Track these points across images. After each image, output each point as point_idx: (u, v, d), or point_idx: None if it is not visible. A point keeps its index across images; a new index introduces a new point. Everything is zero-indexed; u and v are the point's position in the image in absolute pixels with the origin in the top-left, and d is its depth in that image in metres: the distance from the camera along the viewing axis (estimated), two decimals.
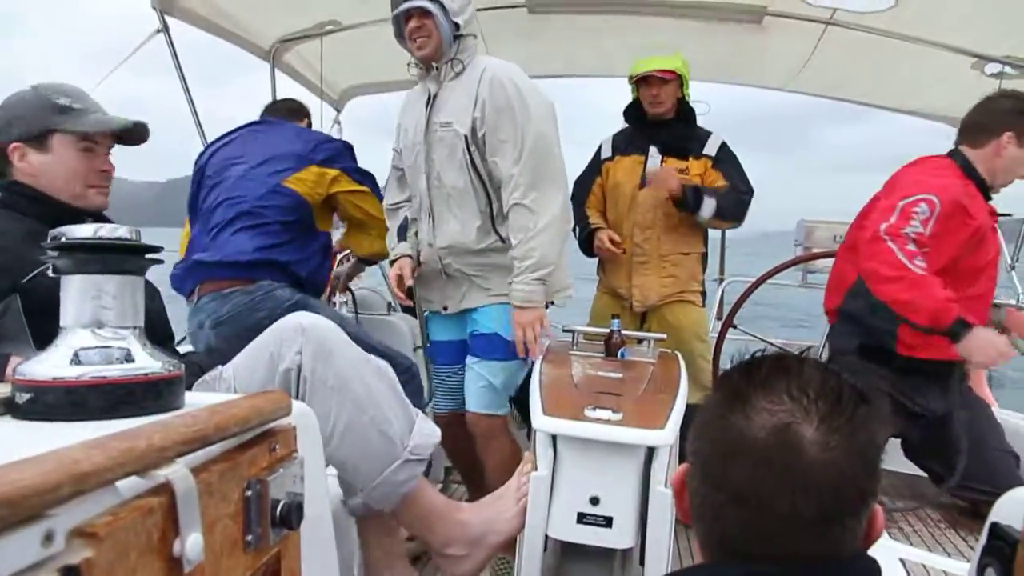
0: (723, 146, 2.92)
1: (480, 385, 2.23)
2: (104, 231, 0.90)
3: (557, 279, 2.21)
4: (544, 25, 3.43)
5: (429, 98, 2.24)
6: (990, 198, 2.43)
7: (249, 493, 0.75)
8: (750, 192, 2.89)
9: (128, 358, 0.86)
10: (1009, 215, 2.82)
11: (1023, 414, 2.73)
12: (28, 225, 1.48)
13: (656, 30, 3.42)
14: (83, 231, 0.89)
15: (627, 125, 3.09)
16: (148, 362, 0.86)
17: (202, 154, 2.36)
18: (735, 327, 3.08)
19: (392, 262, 2.42)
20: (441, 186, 2.23)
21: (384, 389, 1.46)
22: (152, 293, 1.65)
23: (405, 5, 2.13)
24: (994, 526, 0.92)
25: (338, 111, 4.36)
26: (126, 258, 0.89)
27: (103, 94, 1.83)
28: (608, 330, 2.21)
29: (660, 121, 2.93)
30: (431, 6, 2.10)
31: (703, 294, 3.03)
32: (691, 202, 2.78)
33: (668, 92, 2.87)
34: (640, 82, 2.90)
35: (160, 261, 1.08)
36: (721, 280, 4.55)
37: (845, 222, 3.73)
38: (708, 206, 2.79)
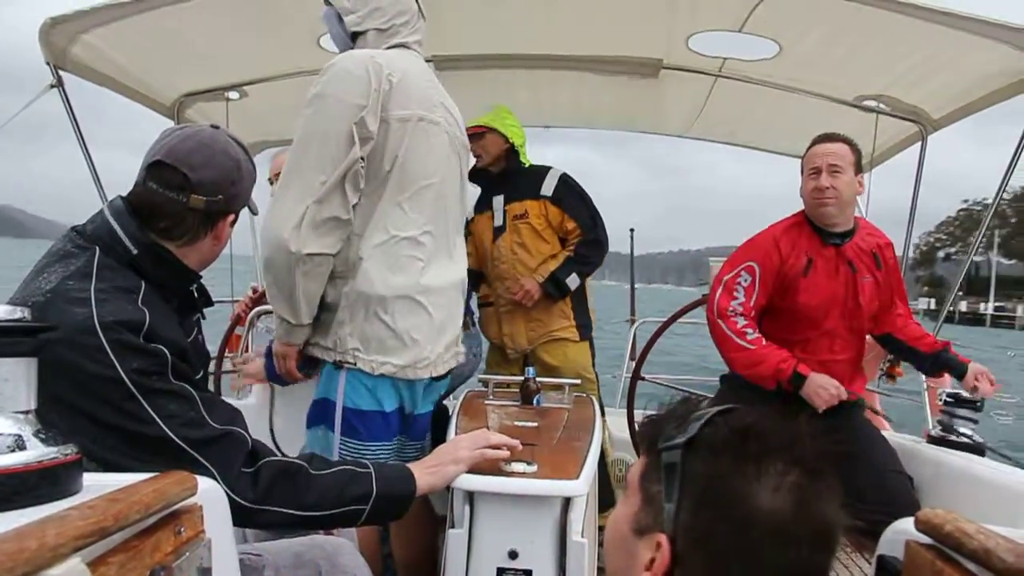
0: (561, 181, 3.08)
1: None
2: None
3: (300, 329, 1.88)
4: (452, 80, 3.51)
5: None
6: (840, 243, 2.52)
7: None
8: (595, 223, 3.08)
9: (20, 445, 0.83)
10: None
11: (914, 436, 2.90)
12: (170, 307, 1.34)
13: (560, 83, 3.56)
14: None
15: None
16: (42, 449, 0.83)
17: None
18: (643, 379, 3.18)
19: None
20: None
21: None
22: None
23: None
24: (880, 558, 0.98)
25: None
26: (18, 340, 0.86)
27: None
28: (523, 378, 2.24)
29: (497, 174, 3.11)
30: (324, 19, 1.99)
31: (580, 327, 3.14)
32: (557, 293, 3.01)
33: (484, 145, 3.05)
34: None
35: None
36: (632, 321, 4.68)
37: None
38: (573, 282, 3.03)
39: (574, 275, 3.02)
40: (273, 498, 1.24)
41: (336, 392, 1.84)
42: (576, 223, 3.05)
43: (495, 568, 1.44)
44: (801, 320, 2.53)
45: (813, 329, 2.55)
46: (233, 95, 3.48)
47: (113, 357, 1.13)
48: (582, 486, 1.46)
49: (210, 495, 0.94)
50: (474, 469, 1.48)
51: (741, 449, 0.73)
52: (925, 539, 0.86)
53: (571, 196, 3.08)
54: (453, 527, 1.48)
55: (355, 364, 1.82)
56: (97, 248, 1.26)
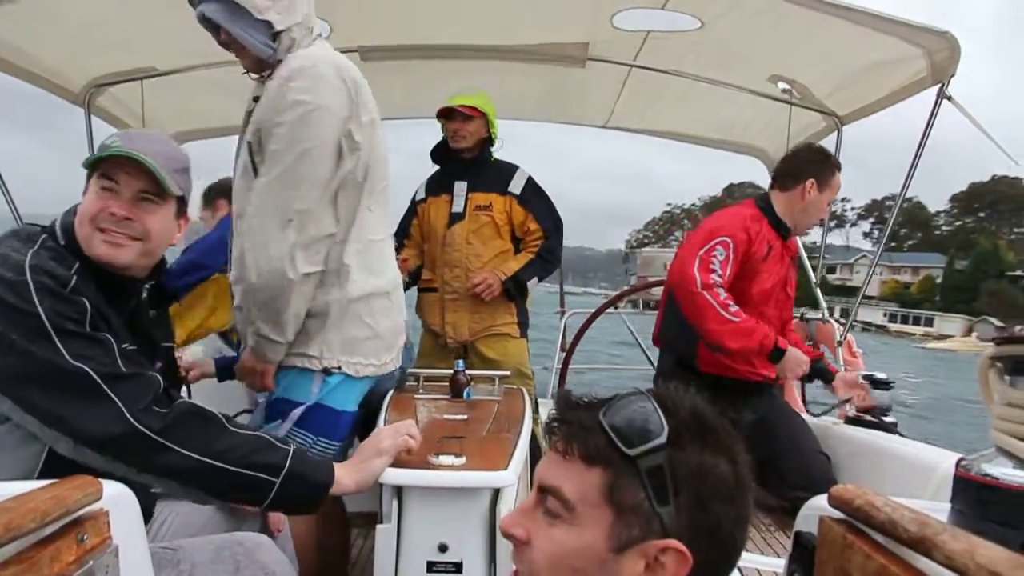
0: (528, 182, 3.10)
1: None
2: None
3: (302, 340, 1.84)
4: (379, 71, 3.45)
5: (251, 104, 1.90)
6: (786, 237, 2.71)
7: None
8: (558, 229, 3.12)
9: None
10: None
11: (831, 419, 3.03)
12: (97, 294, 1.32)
13: (488, 74, 3.54)
14: None
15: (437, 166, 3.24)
16: None
17: None
18: (572, 368, 3.22)
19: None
20: (236, 202, 1.89)
21: None
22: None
23: (200, 9, 1.76)
24: (797, 534, 1.01)
25: None
26: None
27: None
28: (452, 371, 2.23)
29: (465, 159, 3.07)
30: (219, 18, 1.74)
31: (521, 324, 3.15)
32: (516, 292, 3.01)
33: (470, 129, 3.02)
34: (445, 117, 3.04)
35: None
36: (562, 313, 4.72)
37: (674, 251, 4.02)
38: (532, 285, 3.06)
39: (535, 280, 3.05)
40: (179, 435, 1.23)
41: (308, 393, 1.82)
42: (539, 226, 3.06)
43: (425, 562, 1.43)
44: (747, 304, 2.61)
45: (754, 312, 2.63)
46: (148, 82, 3.31)
47: (34, 294, 1.20)
48: (511, 476, 1.46)
49: (117, 499, 0.90)
50: (402, 462, 1.47)
51: (710, 431, 0.76)
52: (838, 514, 0.89)
53: (538, 199, 3.09)
54: (381, 522, 1.46)
55: (340, 368, 1.82)
56: (45, 233, 1.35)
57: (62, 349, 1.18)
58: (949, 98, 2.62)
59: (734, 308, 2.50)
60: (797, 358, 2.60)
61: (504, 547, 1.43)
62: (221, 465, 1.26)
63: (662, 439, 0.72)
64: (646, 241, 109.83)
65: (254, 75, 1.89)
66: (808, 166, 2.67)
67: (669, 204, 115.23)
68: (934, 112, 2.71)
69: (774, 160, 4.11)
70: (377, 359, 1.88)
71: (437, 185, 3.17)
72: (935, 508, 0.83)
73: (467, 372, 2.24)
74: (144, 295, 1.46)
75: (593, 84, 3.65)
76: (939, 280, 68.29)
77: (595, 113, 4.18)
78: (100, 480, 0.85)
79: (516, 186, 3.06)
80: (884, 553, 0.75)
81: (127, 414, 1.19)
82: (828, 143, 3.51)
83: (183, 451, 1.22)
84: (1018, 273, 63.69)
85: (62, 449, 1.20)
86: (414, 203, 3.22)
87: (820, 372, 2.85)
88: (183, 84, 3.35)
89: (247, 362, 1.83)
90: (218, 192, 2.91)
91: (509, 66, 3.45)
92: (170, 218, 1.43)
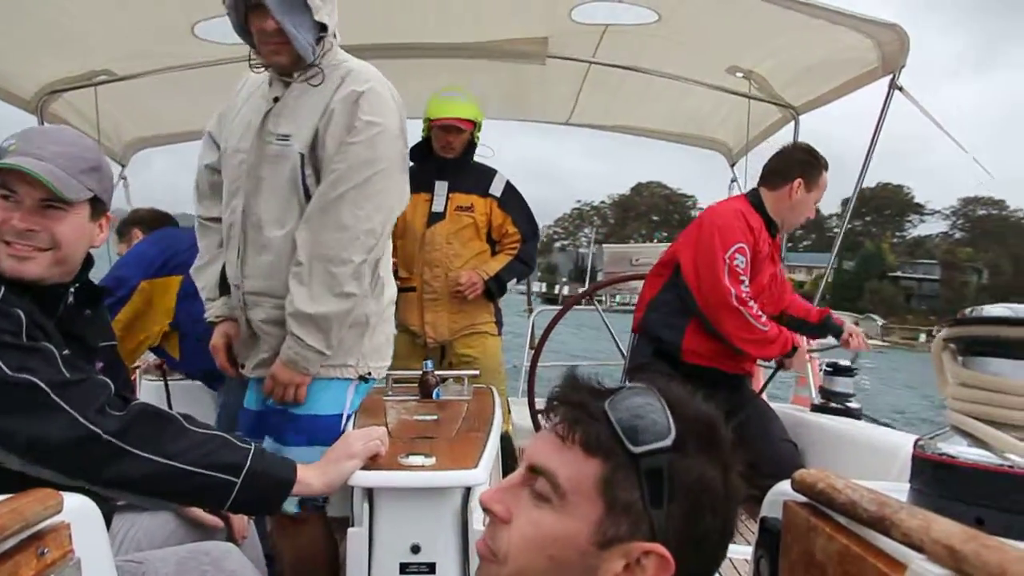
0: (508, 186, 3.11)
1: None
2: None
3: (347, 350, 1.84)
4: None
5: (270, 103, 1.81)
6: (775, 235, 2.75)
7: None
8: (535, 233, 3.17)
9: None
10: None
11: (796, 407, 3.08)
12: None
13: (449, 72, 3.52)
14: None
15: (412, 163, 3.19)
16: None
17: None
18: (541, 365, 3.24)
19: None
20: (260, 211, 1.80)
21: None
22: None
23: None
24: (763, 520, 1.03)
25: (123, 166, 4.01)
26: None
27: None
28: (421, 372, 2.22)
29: (447, 160, 3.06)
30: (274, 6, 1.64)
31: (498, 323, 3.18)
32: (497, 293, 3.05)
33: (462, 140, 3.01)
34: (436, 125, 2.99)
35: None
36: (530, 311, 4.73)
37: (640, 247, 4.07)
38: (511, 282, 3.10)
39: (514, 280, 3.08)
40: (137, 437, 1.18)
41: (342, 403, 1.84)
42: (517, 229, 3.07)
43: (398, 564, 1.43)
44: (758, 299, 2.63)
45: (759, 304, 2.66)
46: (102, 88, 3.24)
47: None
48: (482, 474, 1.46)
49: (79, 512, 0.88)
50: (372, 465, 1.46)
51: (716, 442, 0.74)
52: (801, 498, 0.90)
53: (517, 203, 3.10)
54: (353, 525, 1.45)
55: (370, 374, 1.88)
56: None
57: (1, 364, 1.12)
58: (900, 88, 2.68)
59: (764, 319, 2.56)
60: (804, 352, 2.73)
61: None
62: (180, 466, 1.21)
63: (668, 442, 0.71)
64: (555, 237, 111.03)
65: (258, 70, 1.82)
66: (796, 166, 2.67)
67: (579, 201, 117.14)
68: (886, 103, 2.77)
69: (734, 152, 4.18)
70: (386, 361, 1.96)
71: (415, 183, 3.11)
72: (896, 489, 0.85)
73: (436, 373, 2.24)
74: (71, 299, 1.36)
75: (554, 81, 3.67)
76: (829, 279, 70.07)
77: (556, 110, 4.20)
78: (61, 492, 0.84)
79: (496, 188, 3.06)
80: (846, 534, 0.77)
81: (80, 419, 1.13)
82: (786, 133, 3.59)
83: (141, 453, 1.17)
84: (898, 274, 66.64)
85: (11, 464, 1.14)
86: None
87: (830, 328, 2.87)
88: (140, 89, 3.28)
89: (281, 375, 1.75)
90: (130, 223, 2.86)
91: (471, 64, 3.45)
92: (83, 222, 1.32)
